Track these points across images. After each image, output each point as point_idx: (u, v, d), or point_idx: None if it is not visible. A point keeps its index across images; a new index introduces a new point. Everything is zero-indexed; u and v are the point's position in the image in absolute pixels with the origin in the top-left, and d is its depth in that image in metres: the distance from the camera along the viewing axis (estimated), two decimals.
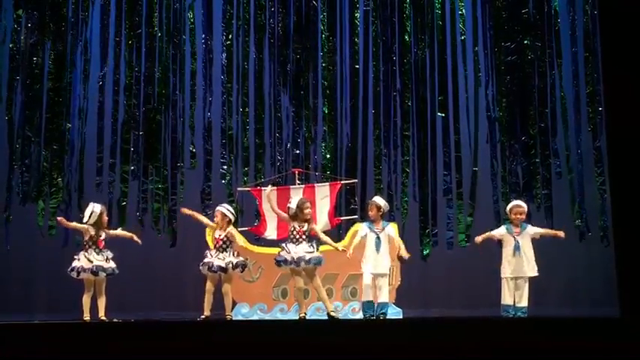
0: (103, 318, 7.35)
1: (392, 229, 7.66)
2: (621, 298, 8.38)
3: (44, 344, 6.38)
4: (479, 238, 7.80)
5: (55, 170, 9.40)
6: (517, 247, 7.55)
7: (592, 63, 9.56)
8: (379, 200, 7.76)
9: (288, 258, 7.34)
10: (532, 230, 7.69)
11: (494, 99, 9.65)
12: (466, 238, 9.35)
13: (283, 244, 7.49)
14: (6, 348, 6.22)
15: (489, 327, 6.88)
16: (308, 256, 7.31)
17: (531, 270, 7.56)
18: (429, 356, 6.12)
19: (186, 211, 7.91)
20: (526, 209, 7.78)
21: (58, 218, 7.96)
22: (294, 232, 7.44)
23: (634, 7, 8.60)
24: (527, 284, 7.52)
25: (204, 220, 7.81)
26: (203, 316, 7.41)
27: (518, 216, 7.69)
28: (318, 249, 7.45)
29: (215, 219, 7.65)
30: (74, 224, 7.76)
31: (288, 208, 7.55)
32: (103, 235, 7.55)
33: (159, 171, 9.53)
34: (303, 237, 7.40)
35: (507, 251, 7.61)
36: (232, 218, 7.63)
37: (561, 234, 7.72)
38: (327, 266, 7.56)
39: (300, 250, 7.34)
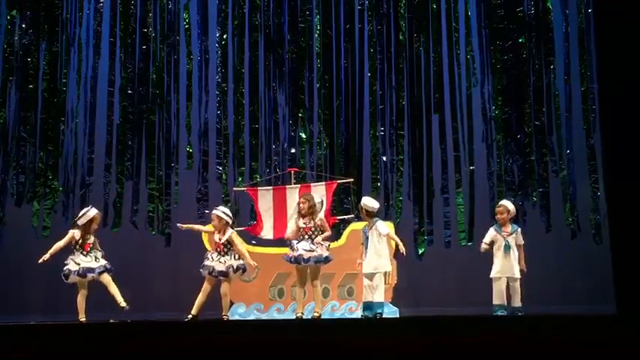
0: (124, 304, 7.32)
1: (382, 225, 7.57)
2: (618, 294, 8.40)
3: (40, 345, 6.36)
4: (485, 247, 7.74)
5: (50, 171, 9.38)
6: (507, 247, 7.56)
7: (586, 61, 9.58)
8: (367, 200, 7.73)
9: (295, 255, 7.31)
10: (520, 239, 7.66)
11: (489, 97, 9.66)
12: (467, 236, 9.38)
13: (294, 243, 7.41)
14: (2, 349, 6.20)
15: (486, 325, 6.88)
16: (307, 255, 7.28)
17: (517, 271, 7.57)
18: (426, 355, 6.11)
19: (182, 226, 7.79)
20: (509, 209, 7.69)
21: (44, 259, 7.42)
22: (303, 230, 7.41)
23: (627, 5, 8.63)
24: (518, 284, 7.53)
25: (203, 228, 7.76)
26: (190, 316, 7.38)
27: (499, 215, 7.71)
28: (328, 247, 7.40)
29: (212, 222, 7.59)
30: (57, 246, 7.49)
31: (319, 203, 7.51)
32: (91, 239, 7.49)
33: (154, 171, 9.52)
34: (309, 233, 7.38)
35: (498, 250, 7.61)
36: (230, 220, 7.57)
37: (523, 269, 7.60)
38: (324, 266, 7.54)
39: (302, 247, 7.31)
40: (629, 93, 8.75)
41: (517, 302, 7.50)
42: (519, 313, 7.45)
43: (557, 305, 8.92)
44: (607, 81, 9.18)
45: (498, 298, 7.51)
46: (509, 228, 7.65)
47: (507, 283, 7.52)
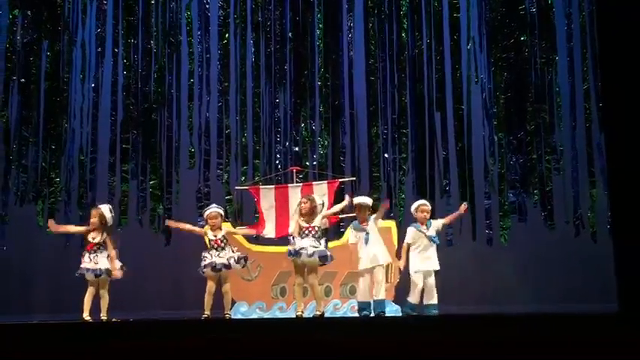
0: (104, 317, 7.34)
1: (372, 217, 7.47)
2: (620, 293, 8.38)
3: (43, 344, 6.37)
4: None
5: (53, 170, 9.40)
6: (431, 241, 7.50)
7: (589, 59, 9.57)
8: (360, 199, 7.62)
9: (297, 248, 7.20)
10: (437, 223, 7.61)
11: (491, 96, 9.66)
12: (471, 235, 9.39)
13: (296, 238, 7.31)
14: (5, 349, 6.22)
15: (488, 323, 6.88)
16: (311, 250, 7.21)
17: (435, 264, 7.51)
18: (429, 353, 6.12)
19: (172, 223, 7.84)
20: (430, 208, 7.67)
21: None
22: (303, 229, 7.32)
23: (630, 2, 8.60)
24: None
25: (194, 228, 7.67)
26: (205, 316, 7.38)
27: (425, 214, 7.60)
28: (326, 245, 7.34)
29: (212, 221, 7.49)
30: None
31: (320, 205, 7.45)
32: (97, 239, 7.46)
33: (156, 170, 9.54)
34: (313, 232, 7.32)
35: (417, 248, 7.52)
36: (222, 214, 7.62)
37: (462, 209, 7.67)
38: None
39: (306, 242, 7.22)
40: (631, 90, 8.73)
41: (434, 299, 7.48)
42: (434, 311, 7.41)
43: (558, 304, 8.91)
44: (609, 78, 9.15)
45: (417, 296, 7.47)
46: (425, 225, 7.57)
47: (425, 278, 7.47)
